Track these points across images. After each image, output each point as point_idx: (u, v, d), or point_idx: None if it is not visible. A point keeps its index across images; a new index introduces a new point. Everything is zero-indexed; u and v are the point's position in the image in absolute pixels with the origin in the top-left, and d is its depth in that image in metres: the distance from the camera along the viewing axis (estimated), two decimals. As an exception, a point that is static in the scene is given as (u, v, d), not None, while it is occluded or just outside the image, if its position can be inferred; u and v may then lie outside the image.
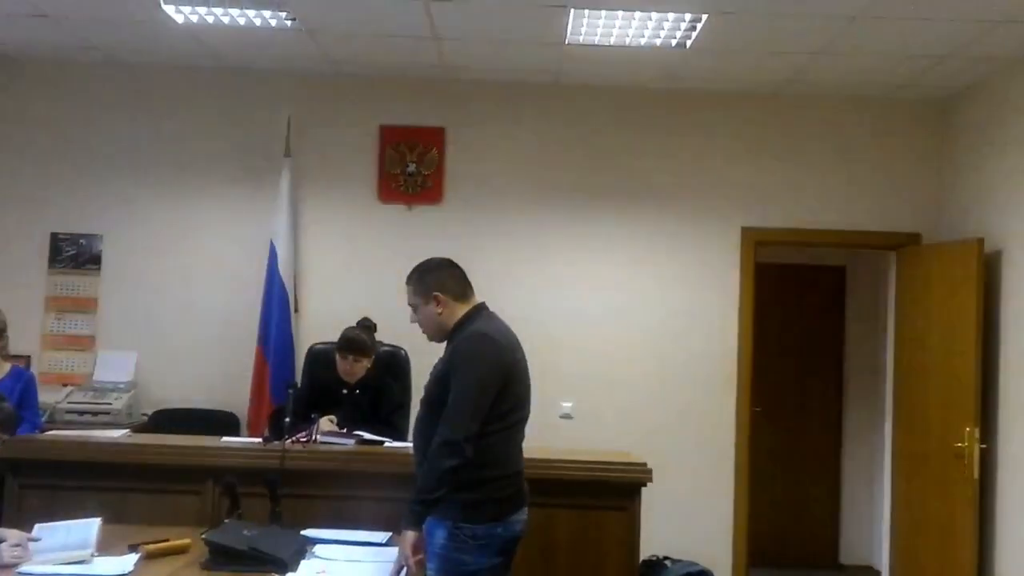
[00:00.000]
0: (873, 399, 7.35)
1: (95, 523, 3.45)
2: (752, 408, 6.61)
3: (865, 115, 6.64)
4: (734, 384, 6.55)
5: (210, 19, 5.52)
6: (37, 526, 3.40)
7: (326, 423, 4.67)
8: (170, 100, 6.64)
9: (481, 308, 3.60)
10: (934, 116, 6.60)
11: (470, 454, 3.26)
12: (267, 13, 5.40)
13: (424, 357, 4.11)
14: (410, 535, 3.30)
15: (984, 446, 5.58)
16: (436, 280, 3.56)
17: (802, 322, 7.79)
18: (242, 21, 5.53)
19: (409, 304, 3.61)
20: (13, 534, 3.36)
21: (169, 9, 5.37)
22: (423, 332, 3.63)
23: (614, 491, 4.26)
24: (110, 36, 6.01)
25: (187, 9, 5.37)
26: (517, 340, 3.58)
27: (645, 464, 4.31)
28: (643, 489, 4.27)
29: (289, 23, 5.53)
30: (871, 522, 7.39)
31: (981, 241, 5.72)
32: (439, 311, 3.53)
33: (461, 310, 3.55)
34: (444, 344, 3.58)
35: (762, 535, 6.92)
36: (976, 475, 5.55)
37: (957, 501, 5.69)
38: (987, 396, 5.64)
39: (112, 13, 5.56)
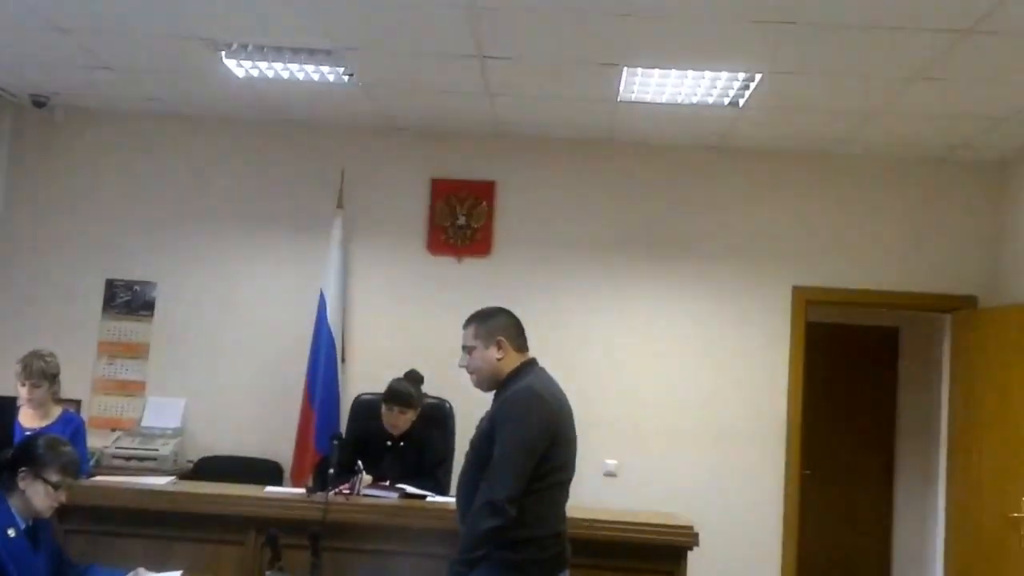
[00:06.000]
0: (926, 464, 7.17)
1: None
2: (802, 470, 6.49)
3: (920, 175, 6.56)
4: (783, 446, 6.43)
5: (270, 73, 5.63)
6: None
7: (366, 480, 4.64)
8: (226, 151, 6.75)
9: (532, 363, 3.57)
10: (991, 177, 6.51)
11: (512, 515, 3.22)
12: (325, 68, 5.50)
13: (469, 411, 4.09)
14: None
15: (1041, 517, 5.43)
16: (501, 325, 3.54)
17: (853, 383, 7.67)
18: (300, 76, 5.64)
19: (465, 346, 3.56)
20: None
21: (230, 63, 5.49)
22: (473, 378, 3.58)
23: (658, 554, 4.17)
24: (171, 88, 6.14)
25: (248, 63, 5.49)
26: (566, 399, 3.54)
27: (691, 527, 4.21)
28: (688, 553, 4.19)
29: (346, 78, 5.62)
30: (923, 591, 7.20)
31: (1039, 306, 5.62)
32: (499, 356, 3.49)
33: (516, 361, 3.52)
34: (491, 396, 3.54)
35: (810, 601, 6.76)
36: (1033, 547, 5.41)
37: (1012, 572, 5.52)
38: (1045, 465, 5.50)
39: (174, 66, 5.68)
